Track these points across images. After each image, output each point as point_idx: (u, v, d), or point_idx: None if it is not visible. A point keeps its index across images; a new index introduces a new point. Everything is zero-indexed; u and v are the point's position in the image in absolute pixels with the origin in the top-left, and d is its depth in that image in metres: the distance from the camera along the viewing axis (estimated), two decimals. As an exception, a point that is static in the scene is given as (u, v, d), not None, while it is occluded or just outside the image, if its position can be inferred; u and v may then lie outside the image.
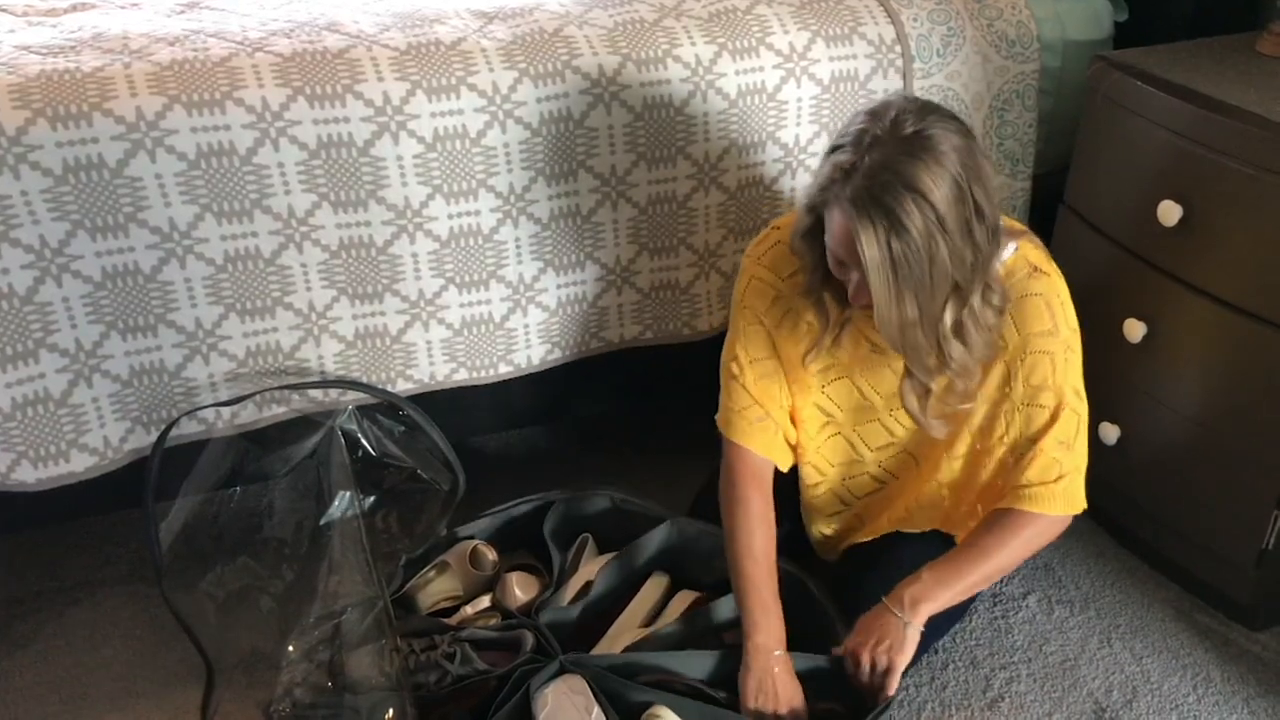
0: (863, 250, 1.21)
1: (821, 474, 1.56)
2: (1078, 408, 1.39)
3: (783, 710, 1.38)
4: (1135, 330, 1.65)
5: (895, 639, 1.37)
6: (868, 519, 1.59)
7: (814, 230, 1.32)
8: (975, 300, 1.28)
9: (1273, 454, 1.53)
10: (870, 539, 1.57)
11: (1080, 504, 1.42)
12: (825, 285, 1.37)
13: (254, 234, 1.52)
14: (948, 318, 1.27)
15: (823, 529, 1.62)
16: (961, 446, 1.45)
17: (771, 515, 1.48)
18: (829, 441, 1.53)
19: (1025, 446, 1.39)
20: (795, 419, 1.51)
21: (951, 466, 1.47)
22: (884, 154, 1.21)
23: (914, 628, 1.38)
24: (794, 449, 1.53)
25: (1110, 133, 1.68)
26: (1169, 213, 1.56)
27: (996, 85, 1.82)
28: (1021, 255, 1.37)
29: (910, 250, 1.20)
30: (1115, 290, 1.69)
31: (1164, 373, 1.65)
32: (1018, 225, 1.42)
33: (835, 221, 1.25)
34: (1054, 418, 1.37)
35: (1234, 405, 1.56)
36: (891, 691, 1.37)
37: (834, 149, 1.27)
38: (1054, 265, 1.38)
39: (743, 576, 1.43)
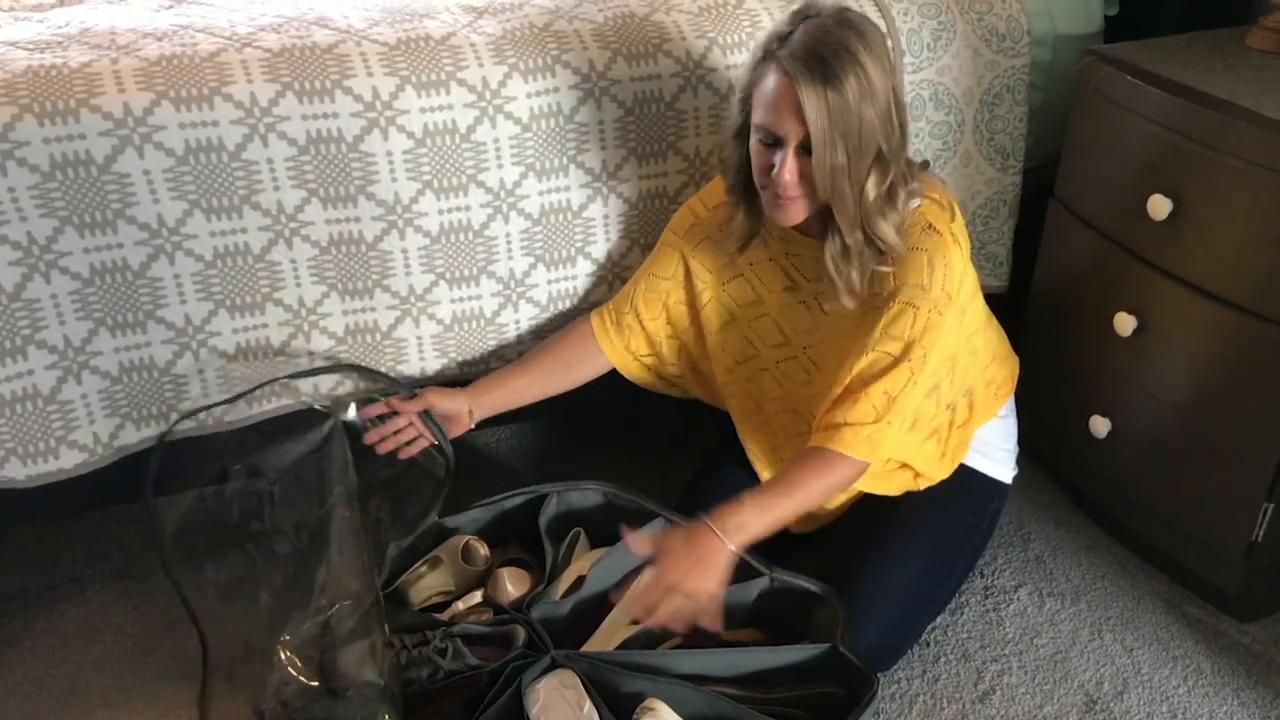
0: (802, 98, 1.29)
1: (755, 404, 1.65)
2: (916, 367, 1.41)
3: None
4: (1125, 324, 1.65)
5: (716, 564, 1.36)
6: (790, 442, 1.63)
7: (742, 129, 1.41)
8: (896, 180, 1.37)
9: (1262, 446, 1.53)
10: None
11: (877, 455, 1.44)
12: (748, 192, 1.46)
13: (243, 230, 1.51)
14: (872, 185, 1.35)
15: (766, 463, 1.66)
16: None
17: (575, 370, 1.66)
18: (757, 374, 1.63)
19: (857, 385, 1.43)
20: (707, 346, 1.64)
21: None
22: (819, 24, 1.32)
23: (733, 555, 1.38)
24: (652, 369, 1.69)
25: (1100, 127, 1.68)
26: (1159, 207, 1.56)
27: (987, 80, 1.82)
28: (921, 213, 1.42)
29: (844, 102, 1.29)
30: (1105, 284, 1.70)
31: (1154, 366, 1.65)
32: (936, 185, 1.47)
33: (770, 85, 1.33)
34: (890, 368, 1.41)
35: (1224, 398, 1.57)
36: (718, 624, 1.36)
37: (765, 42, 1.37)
38: (951, 228, 1.42)
39: (517, 364, 1.65)
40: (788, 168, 1.34)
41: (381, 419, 1.60)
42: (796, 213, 1.39)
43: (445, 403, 1.60)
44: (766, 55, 1.35)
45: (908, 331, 1.40)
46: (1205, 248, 1.54)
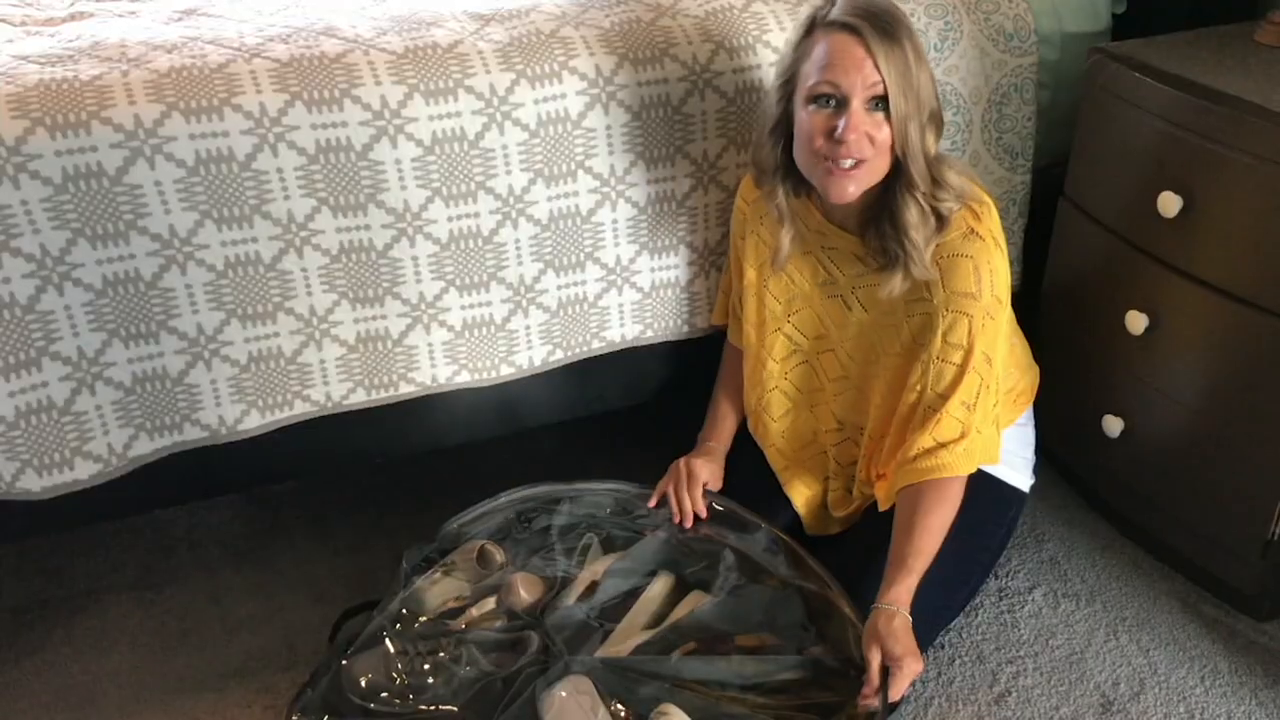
0: (873, 48, 1.34)
1: (790, 400, 1.67)
2: (983, 372, 1.46)
3: (683, 487, 1.62)
4: (1137, 322, 1.64)
5: (908, 634, 1.40)
6: (840, 462, 1.65)
7: (780, 121, 1.45)
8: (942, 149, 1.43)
9: (1277, 444, 1.52)
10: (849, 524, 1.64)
11: (986, 458, 1.50)
12: (787, 179, 1.49)
13: (254, 239, 1.52)
14: (931, 140, 1.40)
15: (801, 488, 1.66)
16: (886, 384, 1.53)
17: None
18: (796, 369, 1.66)
19: (934, 402, 1.47)
20: (762, 341, 1.65)
21: (879, 405, 1.55)
22: None
23: (909, 621, 1.42)
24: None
25: (1109, 125, 1.68)
26: (1169, 204, 1.55)
27: (995, 79, 1.82)
28: (961, 216, 1.43)
29: (904, 56, 1.35)
30: (1116, 282, 1.69)
31: (1166, 364, 1.65)
32: (975, 187, 1.47)
33: (830, 45, 1.37)
34: (960, 377, 1.45)
35: (1237, 396, 1.56)
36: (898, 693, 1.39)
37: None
38: (992, 233, 1.44)
39: (715, 407, 1.75)
40: (854, 124, 1.36)
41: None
42: (854, 184, 1.40)
43: (708, 475, 1.66)
44: (814, 25, 1.40)
45: (965, 339, 1.44)
46: (1216, 244, 1.53)
